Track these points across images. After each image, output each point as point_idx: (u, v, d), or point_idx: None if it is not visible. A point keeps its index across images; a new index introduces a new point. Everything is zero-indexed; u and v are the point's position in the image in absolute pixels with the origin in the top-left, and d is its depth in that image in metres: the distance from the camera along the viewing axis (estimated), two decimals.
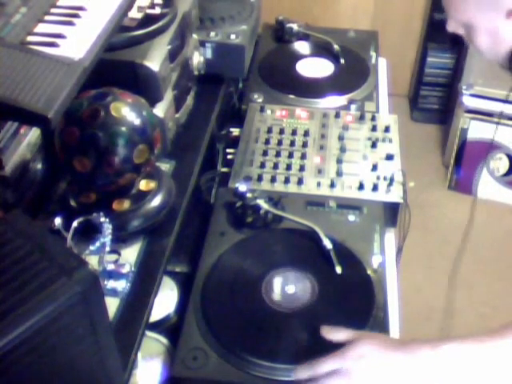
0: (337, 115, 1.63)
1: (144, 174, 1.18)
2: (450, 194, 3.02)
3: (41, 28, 0.97)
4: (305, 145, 1.53)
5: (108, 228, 1.09)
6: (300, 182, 1.43)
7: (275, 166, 1.47)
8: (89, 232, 1.09)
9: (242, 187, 1.33)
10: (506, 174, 2.91)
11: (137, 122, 1.11)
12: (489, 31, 1.02)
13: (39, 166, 1.21)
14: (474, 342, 0.95)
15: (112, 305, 1.06)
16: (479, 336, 0.95)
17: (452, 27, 1.08)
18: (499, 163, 2.90)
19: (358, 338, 1.01)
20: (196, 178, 1.38)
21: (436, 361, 0.95)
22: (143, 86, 1.25)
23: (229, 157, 1.52)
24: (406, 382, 0.96)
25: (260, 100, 1.68)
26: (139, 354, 1.06)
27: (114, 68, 1.21)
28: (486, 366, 0.94)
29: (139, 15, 1.32)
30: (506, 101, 2.67)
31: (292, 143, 1.53)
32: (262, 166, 1.46)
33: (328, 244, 1.24)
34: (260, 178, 1.43)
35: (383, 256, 1.27)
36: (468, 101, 2.86)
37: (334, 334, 1.05)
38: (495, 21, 1.00)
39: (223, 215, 1.34)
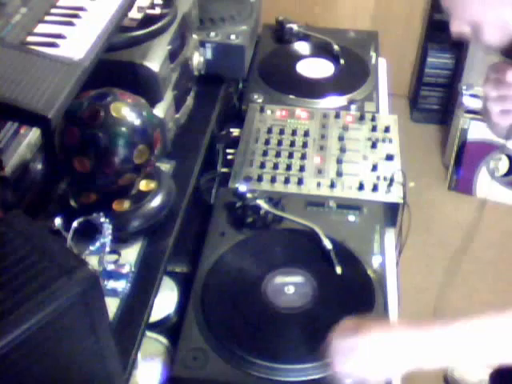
0: (337, 115, 1.63)
1: (144, 175, 1.18)
2: (450, 194, 3.02)
3: (41, 28, 0.97)
4: (305, 145, 1.53)
5: (108, 228, 1.09)
6: (300, 182, 1.43)
7: (275, 167, 1.47)
8: (89, 232, 1.09)
9: (242, 187, 1.33)
10: (506, 174, 2.91)
11: (137, 122, 1.11)
12: (497, 24, 1.02)
13: (39, 166, 1.21)
14: (483, 320, 0.99)
15: (112, 305, 1.06)
16: (490, 314, 0.99)
17: (456, 27, 1.07)
18: (499, 163, 2.90)
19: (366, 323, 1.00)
20: (196, 178, 1.38)
21: (447, 337, 0.96)
22: (143, 87, 1.25)
23: (229, 157, 1.52)
24: (418, 356, 0.96)
25: (260, 100, 1.68)
26: (139, 354, 1.06)
27: (113, 68, 1.21)
28: (495, 344, 0.96)
29: (139, 15, 1.32)
30: None
31: (292, 143, 1.53)
32: (262, 166, 1.46)
33: (328, 244, 1.24)
34: (260, 179, 1.43)
35: (383, 256, 1.27)
36: (468, 101, 2.86)
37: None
38: (503, 12, 1.00)
39: (223, 215, 1.34)
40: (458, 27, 1.06)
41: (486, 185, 2.90)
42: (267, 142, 1.54)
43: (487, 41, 1.05)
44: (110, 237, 1.09)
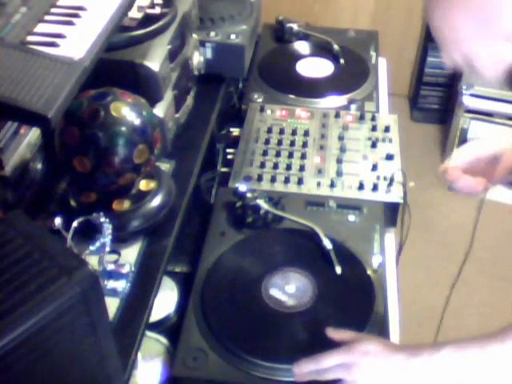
0: (337, 115, 1.63)
1: (144, 174, 1.18)
2: (450, 194, 3.01)
3: (41, 28, 0.97)
4: (305, 145, 1.53)
5: (108, 228, 1.08)
6: (300, 181, 1.43)
7: (275, 166, 1.47)
8: (89, 232, 1.09)
9: (242, 187, 1.33)
10: None
11: (137, 122, 1.11)
12: (490, 58, 0.98)
13: (39, 166, 1.21)
14: (473, 347, 0.95)
15: (112, 305, 1.06)
16: (479, 340, 0.95)
17: (448, 60, 1.03)
18: None
19: (362, 338, 1.03)
20: (196, 178, 1.38)
21: (436, 363, 0.95)
22: (143, 86, 1.25)
23: (229, 157, 1.52)
24: (406, 382, 0.97)
25: (260, 100, 1.68)
26: (139, 354, 1.06)
27: (114, 68, 1.21)
28: (485, 371, 0.94)
29: (139, 15, 1.32)
30: (506, 101, 2.67)
31: (292, 143, 1.53)
32: (262, 165, 1.46)
33: (328, 244, 1.24)
34: (260, 178, 1.43)
35: (383, 256, 1.27)
36: (468, 101, 2.86)
37: (338, 333, 1.06)
38: (495, 46, 0.96)
39: (223, 215, 1.34)
40: (451, 61, 1.03)
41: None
42: (267, 142, 1.54)
43: (482, 74, 1.02)
44: (109, 237, 1.09)
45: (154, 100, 1.27)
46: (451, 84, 3.26)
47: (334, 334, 1.07)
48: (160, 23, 1.32)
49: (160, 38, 1.31)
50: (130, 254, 1.16)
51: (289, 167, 1.47)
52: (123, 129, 1.08)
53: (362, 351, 0.99)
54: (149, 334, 1.15)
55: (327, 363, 1.00)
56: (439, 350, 0.95)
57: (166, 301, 1.24)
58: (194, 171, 1.37)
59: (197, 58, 1.52)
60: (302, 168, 1.46)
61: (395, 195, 1.40)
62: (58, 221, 1.08)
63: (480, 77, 1.03)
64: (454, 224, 2.74)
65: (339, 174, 1.45)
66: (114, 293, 1.08)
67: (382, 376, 0.97)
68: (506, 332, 0.94)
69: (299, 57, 1.86)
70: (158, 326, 1.20)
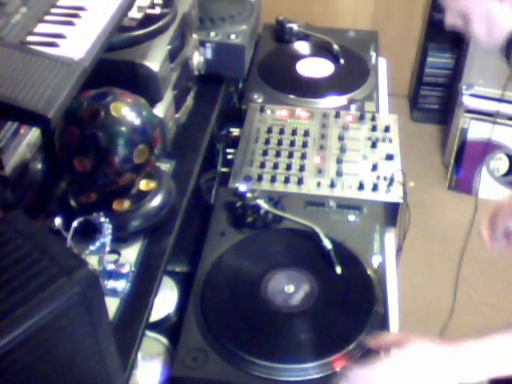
0: (337, 115, 1.63)
1: (144, 174, 1.18)
2: (450, 194, 3.02)
3: (41, 28, 0.97)
4: (305, 145, 1.53)
5: (108, 228, 1.09)
6: (300, 181, 1.43)
7: (275, 166, 1.47)
8: (89, 232, 1.09)
9: (242, 187, 1.33)
10: (506, 174, 2.91)
11: (137, 122, 1.11)
12: (484, 17, 1.08)
13: (39, 166, 1.21)
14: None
15: (112, 305, 1.06)
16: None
17: (450, 19, 1.12)
18: (499, 163, 2.90)
19: (407, 337, 1.01)
20: (196, 178, 1.38)
21: (479, 352, 0.96)
22: (143, 86, 1.25)
23: (229, 157, 1.52)
24: (452, 373, 0.97)
25: (260, 100, 1.68)
26: (139, 354, 1.06)
27: (114, 68, 1.21)
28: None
29: (139, 15, 1.32)
30: (506, 101, 2.67)
31: (292, 143, 1.53)
32: (262, 165, 1.46)
33: (328, 244, 1.24)
34: (260, 178, 1.43)
35: (383, 256, 1.27)
36: (468, 101, 2.86)
37: (380, 339, 1.05)
38: (489, 5, 1.07)
39: (223, 215, 1.34)
40: (451, 19, 1.12)
41: (485, 185, 2.90)
42: (267, 142, 1.54)
43: (476, 34, 1.11)
44: (109, 237, 1.09)
45: (154, 100, 1.27)
46: (451, 84, 3.26)
47: (374, 342, 1.05)
48: (160, 23, 1.32)
49: (160, 38, 1.31)
50: (130, 254, 1.16)
51: (289, 167, 1.47)
52: (123, 129, 1.09)
53: (413, 349, 0.98)
54: (149, 333, 1.15)
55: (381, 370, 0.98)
56: (483, 339, 0.96)
57: (166, 301, 1.24)
58: (194, 171, 1.37)
59: (197, 58, 1.52)
60: (302, 168, 1.46)
61: (395, 195, 1.40)
62: (58, 221, 1.08)
63: (477, 41, 1.12)
64: (453, 224, 2.74)
65: (339, 173, 1.45)
66: (113, 293, 1.08)
67: (430, 367, 0.96)
68: None
69: (299, 57, 1.86)
70: (157, 326, 1.20)
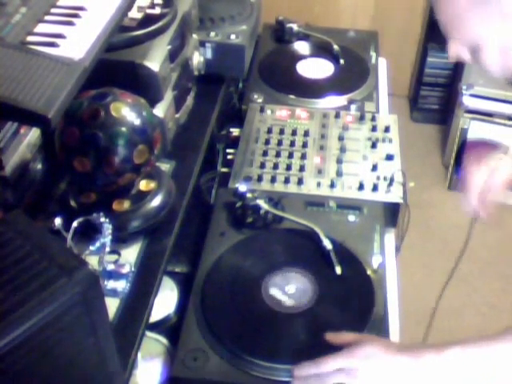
0: (337, 115, 1.63)
1: (144, 174, 1.18)
2: (450, 194, 3.02)
3: (41, 28, 0.97)
4: (305, 145, 1.53)
5: (108, 228, 1.08)
6: (300, 182, 1.43)
7: (275, 166, 1.47)
8: (89, 232, 1.09)
9: (242, 187, 1.33)
10: None
11: (137, 122, 1.11)
12: (499, 47, 0.93)
13: (39, 166, 1.21)
14: (476, 347, 0.95)
15: (112, 305, 1.05)
16: (481, 340, 0.95)
17: (454, 50, 0.98)
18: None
19: (363, 340, 1.01)
20: (196, 178, 1.37)
21: (440, 365, 0.95)
22: (143, 86, 1.25)
23: (229, 157, 1.52)
24: None
25: (260, 100, 1.68)
26: (139, 354, 1.06)
27: (114, 68, 1.21)
28: (488, 372, 0.94)
29: (139, 15, 1.32)
30: (506, 101, 2.67)
31: (292, 143, 1.53)
32: (262, 166, 1.46)
33: (328, 244, 1.24)
34: (260, 178, 1.43)
35: (383, 256, 1.27)
36: (468, 101, 2.86)
37: (338, 337, 1.05)
38: (505, 34, 0.91)
39: (223, 215, 1.34)
40: (456, 49, 0.97)
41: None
42: (267, 142, 1.54)
43: (488, 65, 0.97)
44: (109, 237, 1.09)
45: (154, 100, 1.27)
46: (451, 84, 3.26)
47: (333, 338, 1.06)
48: (160, 23, 1.32)
49: (160, 39, 1.31)
50: (130, 254, 1.16)
51: (289, 167, 1.47)
52: (123, 129, 1.08)
53: (363, 354, 0.98)
54: (149, 334, 1.15)
55: (328, 367, 0.99)
56: (444, 350, 0.95)
57: (166, 301, 1.24)
58: (193, 171, 1.37)
59: (197, 58, 1.52)
60: (301, 168, 1.46)
61: (395, 195, 1.40)
62: (58, 221, 1.08)
63: (484, 67, 0.97)
64: (453, 224, 2.74)
65: (339, 174, 1.45)
66: (113, 293, 1.08)
67: (386, 379, 0.96)
68: (508, 332, 0.94)
69: (299, 57, 1.86)
70: (157, 326, 1.20)
